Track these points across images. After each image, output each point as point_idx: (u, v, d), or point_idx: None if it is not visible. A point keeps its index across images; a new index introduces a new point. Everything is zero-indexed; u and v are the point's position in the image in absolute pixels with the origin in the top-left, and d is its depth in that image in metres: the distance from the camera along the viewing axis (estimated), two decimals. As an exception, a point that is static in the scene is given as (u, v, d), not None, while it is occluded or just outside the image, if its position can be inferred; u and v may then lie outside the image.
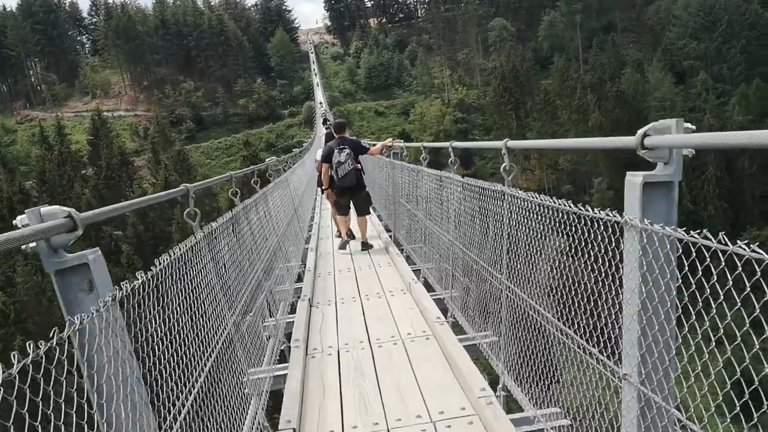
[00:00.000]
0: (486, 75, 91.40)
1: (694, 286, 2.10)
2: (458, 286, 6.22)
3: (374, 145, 11.08)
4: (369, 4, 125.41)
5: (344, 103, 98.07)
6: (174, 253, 3.10)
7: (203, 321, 3.48)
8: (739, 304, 1.84)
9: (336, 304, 7.30)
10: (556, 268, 3.61)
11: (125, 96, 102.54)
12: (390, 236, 11.32)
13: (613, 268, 2.61)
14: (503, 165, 4.16)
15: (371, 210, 12.02)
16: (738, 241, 1.70)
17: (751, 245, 1.68)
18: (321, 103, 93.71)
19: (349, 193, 10.04)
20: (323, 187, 10.84)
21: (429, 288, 7.53)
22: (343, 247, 10.38)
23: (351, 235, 10.60)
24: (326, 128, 64.65)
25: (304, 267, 9.48)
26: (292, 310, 7.16)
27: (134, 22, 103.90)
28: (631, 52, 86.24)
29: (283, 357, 5.84)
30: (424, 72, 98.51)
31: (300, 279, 8.90)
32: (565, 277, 3.39)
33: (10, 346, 46.62)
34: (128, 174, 70.82)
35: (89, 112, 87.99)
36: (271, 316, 6.20)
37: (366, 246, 10.26)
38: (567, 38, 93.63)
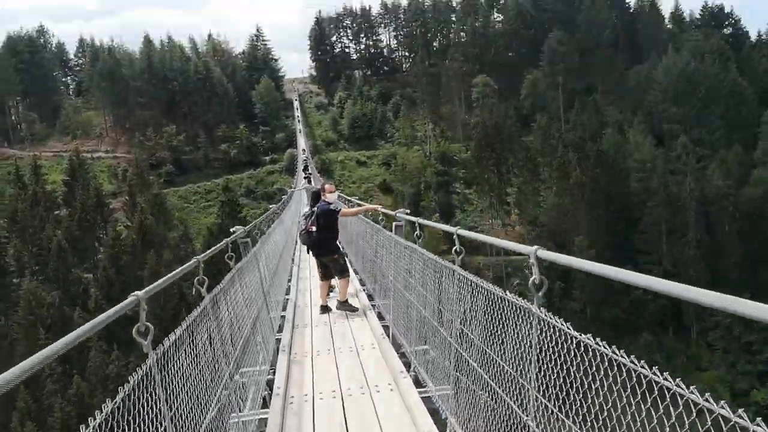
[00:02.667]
0: (468, 130, 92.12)
1: None
2: None
3: (351, 207, 11.85)
4: (355, 57, 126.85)
5: (326, 152, 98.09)
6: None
7: None
8: None
9: None
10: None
11: (106, 137, 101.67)
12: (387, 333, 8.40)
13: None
14: (532, 278, 2.96)
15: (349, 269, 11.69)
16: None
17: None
18: (303, 150, 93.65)
19: (321, 255, 10.51)
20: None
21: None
22: (324, 310, 10.46)
23: (326, 306, 10.59)
24: (305, 176, 64.80)
25: (273, 379, 6.66)
26: None
27: (120, 65, 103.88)
28: (611, 113, 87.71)
29: None
30: (407, 124, 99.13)
31: (266, 404, 6.04)
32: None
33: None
34: (103, 216, 69.37)
35: (68, 152, 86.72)
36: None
37: (343, 306, 10.24)
38: (549, 97, 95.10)
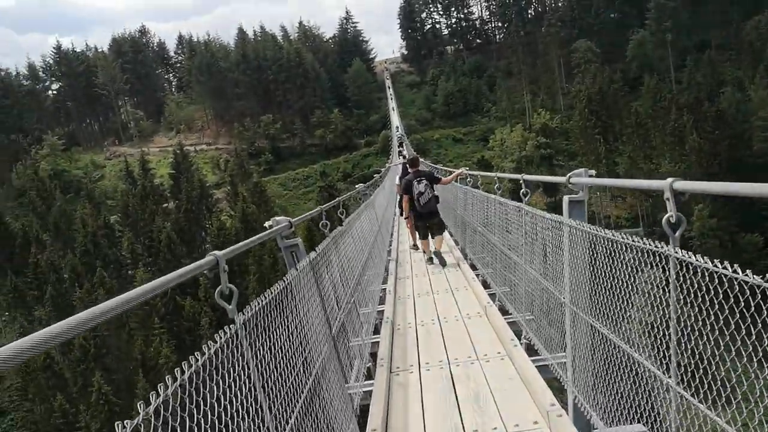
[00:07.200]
0: (570, 98, 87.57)
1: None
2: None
3: (447, 175, 13.60)
4: (446, 32, 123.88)
5: (421, 131, 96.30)
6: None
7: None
8: None
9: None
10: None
11: (207, 130, 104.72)
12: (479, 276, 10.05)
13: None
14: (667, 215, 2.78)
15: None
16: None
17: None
18: (397, 127, 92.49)
19: (427, 218, 11.44)
20: (404, 216, 12.87)
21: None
22: (430, 261, 11.63)
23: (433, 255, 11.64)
24: (400, 151, 63.60)
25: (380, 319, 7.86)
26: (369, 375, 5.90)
27: (217, 58, 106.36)
28: (728, 70, 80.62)
29: None
30: (503, 97, 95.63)
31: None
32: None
33: (90, 382, 46.49)
34: (207, 207, 71.15)
35: (173, 147, 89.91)
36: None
37: (439, 257, 11.40)
38: (657, 57, 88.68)
